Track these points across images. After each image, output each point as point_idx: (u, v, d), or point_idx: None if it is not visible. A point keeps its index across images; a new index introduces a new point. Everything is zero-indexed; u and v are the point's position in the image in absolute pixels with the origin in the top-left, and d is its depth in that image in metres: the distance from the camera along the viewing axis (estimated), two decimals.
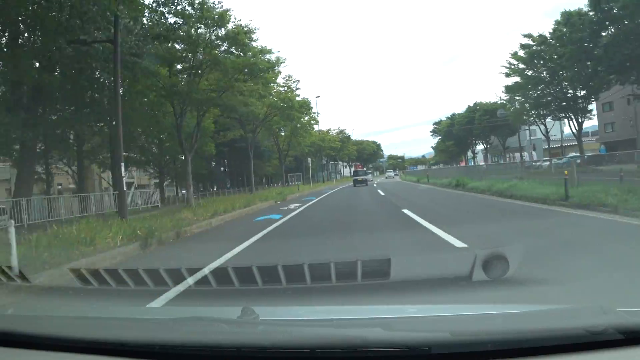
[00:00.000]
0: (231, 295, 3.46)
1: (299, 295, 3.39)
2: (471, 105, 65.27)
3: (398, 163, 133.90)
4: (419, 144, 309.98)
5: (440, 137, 76.48)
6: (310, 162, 52.30)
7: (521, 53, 35.90)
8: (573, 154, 36.16)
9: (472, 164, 64.46)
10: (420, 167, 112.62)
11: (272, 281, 3.40)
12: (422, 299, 3.32)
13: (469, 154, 75.72)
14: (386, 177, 79.26)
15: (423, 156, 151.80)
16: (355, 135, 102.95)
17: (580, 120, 35.93)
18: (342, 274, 3.49)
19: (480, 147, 70.63)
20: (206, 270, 4.29)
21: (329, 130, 68.29)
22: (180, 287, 3.95)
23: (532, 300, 3.28)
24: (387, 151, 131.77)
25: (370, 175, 57.75)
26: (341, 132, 74.80)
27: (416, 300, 3.25)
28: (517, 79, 38.08)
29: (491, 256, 3.37)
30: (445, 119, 76.38)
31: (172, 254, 7.74)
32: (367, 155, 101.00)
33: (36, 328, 1.67)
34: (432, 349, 1.29)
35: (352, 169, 71.90)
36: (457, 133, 65.92)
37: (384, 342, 1.34)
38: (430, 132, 78.34)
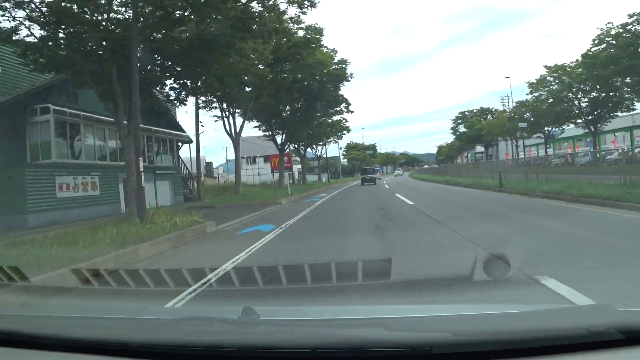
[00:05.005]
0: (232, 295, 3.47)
1: (300, 295, 3.39)
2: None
3: (390, 160, 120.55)
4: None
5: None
6: None
7: None
8: None
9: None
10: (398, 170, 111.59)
11: (273, 282, 3.41)
12: (423, 298, 3.31)
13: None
14: (395, 176, 72.66)
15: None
16: None
17: None
18: (343, 275, 3.49)
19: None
20: None
21: None
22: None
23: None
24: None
25: (378, 174, 56.88)
26: None
27: (417, 300, 3.24)
28: None
29: (492, 257, 3.37)
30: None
31: None
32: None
33: (37, 328, 1.67)
34: (433, 348, 1.29)
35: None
36: None
37: (385, 342, 1.34)
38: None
